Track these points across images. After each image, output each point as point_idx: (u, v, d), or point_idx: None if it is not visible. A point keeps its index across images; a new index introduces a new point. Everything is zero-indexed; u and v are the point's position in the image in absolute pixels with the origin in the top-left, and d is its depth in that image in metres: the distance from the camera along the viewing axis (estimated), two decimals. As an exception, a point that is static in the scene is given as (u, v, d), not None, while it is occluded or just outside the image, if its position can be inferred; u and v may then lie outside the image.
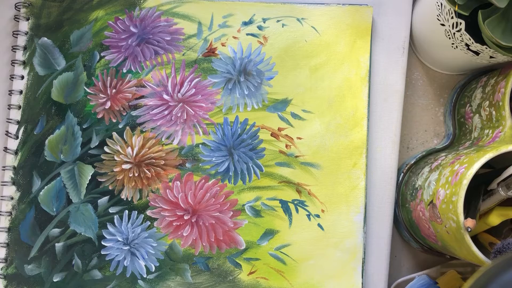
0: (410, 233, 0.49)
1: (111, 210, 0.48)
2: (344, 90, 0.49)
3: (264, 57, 0.49)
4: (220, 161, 0.48)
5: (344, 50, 0.49)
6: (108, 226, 0.48)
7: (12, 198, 0.48)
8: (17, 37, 0.50)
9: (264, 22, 0.49)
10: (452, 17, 0.41)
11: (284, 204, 0.48)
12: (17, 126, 0.49)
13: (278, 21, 0.49)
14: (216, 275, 0.47)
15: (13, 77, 0.49)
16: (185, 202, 0.48)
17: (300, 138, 0.48)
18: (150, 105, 0.49)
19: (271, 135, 0.49)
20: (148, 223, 0.48)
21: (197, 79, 0.49)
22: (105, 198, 0.48)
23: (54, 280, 0.48)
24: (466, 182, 0.38)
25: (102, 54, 0.49)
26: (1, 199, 0.48)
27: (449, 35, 0.43)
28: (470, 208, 0.41)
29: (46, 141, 0.49)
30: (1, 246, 0.48)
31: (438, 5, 0.43)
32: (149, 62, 0.49)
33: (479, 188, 0.43)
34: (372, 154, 0.49)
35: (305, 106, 0.49)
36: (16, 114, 0.49)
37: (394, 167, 0.49)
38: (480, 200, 0.42)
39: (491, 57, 0.42)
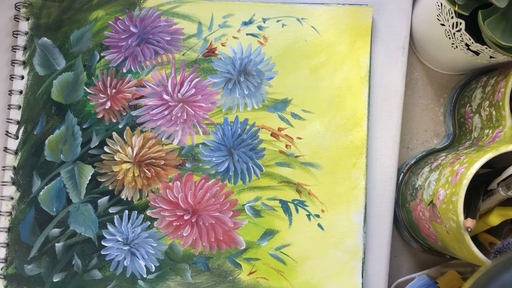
0: (410, 233, 0.49)
1: (111, 210, 0.48)
2: (344, 90, 0.49)
3: (264, 57, 0.49)
4: (220, 161, 0.48)
5: (344, 50, 0.49)
6: (108, 226, 0.48)
7: (12, 198, 0.48)
8: (17, 37, 0.50)
9: (264, 22, 0.49)
10: (452, 17, 0.41)
11: (284, 204, 0.48)
12: (17, 126, 0.49)
13: (278, 21, 0.49)
14: (216, 275, 0.47)
15: (13, 77, 0.49)
16: (185, 202, 0.48)
17: (300, 138, 0.48)
18: (150, 105, 0.49)
19: (271, 135, 0.49)
20: (148, 223, 0.48)
21: (197, 79, 0.49)
22: (105, 198, 0.48)
23: (54, 280, 0.48)
24: (466, 182, 0.38)
25: (102, 54, 0.49)
26: (1, 199, 0.48)
27: (449, 35, 0.43)
28: (470, 208, 0.41)
29: (46, 141, 0.49)
30: (1, 246, 0.48)
31: (438, 5, 0.43)
32: (149, 62, 0.49)
33: (479, 188, 0.43)
34: (372, 154, 0.49)
35: (305, 106, 0.49)
36: (16, 114, 0.49)
37: (394, 167, 0.49)
38: (480, 200, 0.42)
39: (491, 57, 0.42)
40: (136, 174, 0.48)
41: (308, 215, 0.48)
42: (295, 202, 0.48)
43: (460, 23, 0.40)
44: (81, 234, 0.48)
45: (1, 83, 0.50)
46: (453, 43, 0.43)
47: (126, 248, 0.48)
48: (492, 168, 0.44)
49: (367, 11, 0.49)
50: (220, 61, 0.49)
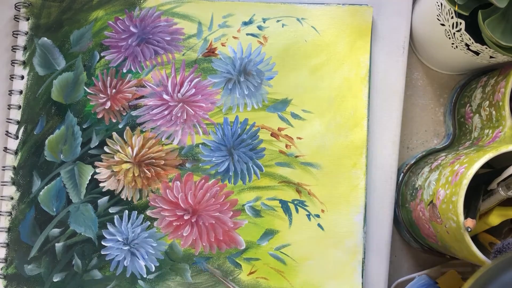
0: (410, 233, 0.49)
1: (111, 210, 0.48)
2: (344, 90, 0.49)
3: (264, 57, 0.49)
4: (220, 161, 0.48)
5: (344, 50, 0.49)
6: (108, 226, 0.48)
7: (12, 198, 0.48)
8: (17, 37, 0.50)
9: (264, 22, 0.49)
10: (452, 17, 0.41)
11: (284, 204, 0.48)
12: (17, 126, 0.49)
13: (278, 21, 0.49)
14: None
15: (13, 77, 0.49)
16: (185, 202, 0.48)
17: (300, 138, 0.48)
18: (150, 105, 0.49)
19: (271, 135, 0.49)
20: (148, 223, 0.48)
21: (197, 79, 0.49)
22: (105, 198, 0.48)
23: (54, 280, 0.48)
24: (466, 182, 0.38)
25: (102, 54, 0.49)
26: (1, 199, 0.48)
27: (449, 35, 0.43)
28: (470, 208, 0.41)
29: (46, 141, 0.49)
30: (1, 246, 0.48)
31: (438, 5, 0.43)
32: (149, 62, 0.49)
33: (479, 188, 0.43)
34: (372, 154, 0.49)
35: (305, 106, 0.49)
36: (16, 114, 0.49)
37: (394, 167, 0.49)
38: (480, 200, 0.42)
39: (491, 57, 0.42)
40: (136, 174, 0.48)
41: (308, 215, 0.48)
42: (295, 202, 0.48)
43: (460, 23, 0.40)
44: (81, 234, 0.48)
45: (1, 83, 0.50)
46: (453, 43, 0.43)
47: (126, 248, 0.48)
48: (492, 168, 0.44)
49: (367, 11, 0.49)
50: (220, 61, 0.49)
